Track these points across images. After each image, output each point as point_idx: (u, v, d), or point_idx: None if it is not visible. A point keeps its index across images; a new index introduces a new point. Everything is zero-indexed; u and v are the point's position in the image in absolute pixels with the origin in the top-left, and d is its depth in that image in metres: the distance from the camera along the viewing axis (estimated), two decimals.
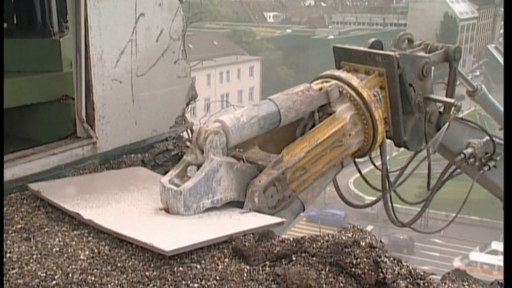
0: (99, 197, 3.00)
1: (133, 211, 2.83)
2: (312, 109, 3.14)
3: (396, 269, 2.24)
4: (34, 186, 3.17)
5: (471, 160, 4.18)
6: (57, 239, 2.61)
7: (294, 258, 2.38)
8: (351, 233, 2.56)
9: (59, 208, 2.91)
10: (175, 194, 2.61)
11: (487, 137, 4.22)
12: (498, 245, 38.46)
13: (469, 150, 4.16)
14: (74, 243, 2.57)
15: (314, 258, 2.36)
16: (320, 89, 3.19)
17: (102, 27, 3.50)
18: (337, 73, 3.35)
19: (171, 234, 2.51)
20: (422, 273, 2.24)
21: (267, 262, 2.36)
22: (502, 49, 68.71)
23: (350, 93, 3.22)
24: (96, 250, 2.49)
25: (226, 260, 2.38)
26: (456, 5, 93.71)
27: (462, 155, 4.14)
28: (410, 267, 2.26)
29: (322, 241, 2.47)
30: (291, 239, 2.51)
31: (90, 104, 3.58)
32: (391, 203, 3.85)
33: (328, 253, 2.36)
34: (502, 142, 4.46)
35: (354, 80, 3.27)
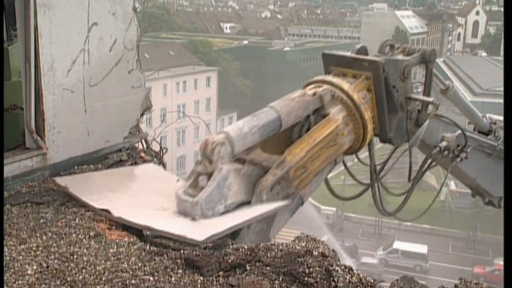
0: (122, 196, 3.15)
1: (155, 211, 2.97)
2: (308, 112, 3.35)
3: (348, 277, 2.29)
4: (60, 181, 3.31)
5: (446, 152, 4.47)
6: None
7: (248, 268, 2.38)
8: (305, 243, 2.60)
9: (85, 205, 3.05)
10: (192, 204, 2.77)
11: (459, 131, 4.53)
12: (399, 245, 42.52)
13: (444, 143, 4.44)
14: (21, 257, 2.48)
15: (268, 268, 2.37)
16: (314, 94, 3.42)
17: (52, 35, 3.42)
18: (329, 78, 3.61)
19: (198, 228, 2.64)
20: (372, 281, 2.29)
21: (221, 272, 2.35)
22: (449, 62, 71.46)
23: (342, 96, 3.47)
24: (44, 265, 2.42)
25: (180, 271, 2.36)
26: (406, 20, 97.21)
27: (438, 148, 4.43)
28: (361, 275, 2.31)
29: (276, 250, 2.49)
30: (245, 247, 2.52)
31: (40, 114, 3.48)
32: (379, 193, 4.15)
33: (282, 263, 2.38)
34: (472, 135, 4.87)
35: (345, 84, 3.52)
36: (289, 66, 74.90)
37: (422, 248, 42.37)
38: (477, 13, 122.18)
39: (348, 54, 3.80)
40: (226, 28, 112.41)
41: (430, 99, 3.99)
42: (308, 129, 3.33)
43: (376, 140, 3.93)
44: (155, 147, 4.53)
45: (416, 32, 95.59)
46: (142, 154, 4.18)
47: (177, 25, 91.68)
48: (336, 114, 3.42)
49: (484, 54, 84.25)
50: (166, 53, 59.95)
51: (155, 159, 4.25)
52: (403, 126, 3.88)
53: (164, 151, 4.53)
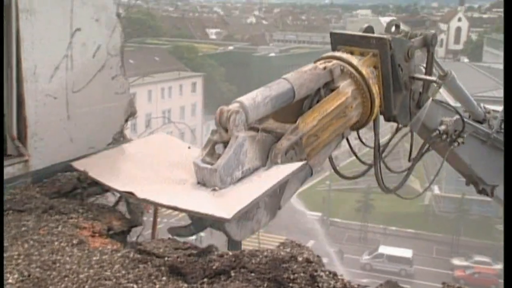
0: (141, 173, 3.20)
1: (176, 185, 3.00)
2: (319, 86, 3.48)
3: (332, 283, 2.29)
4: (78, 165, 3.38)
5: (444, 136, 4.67)
6: None
7: (232, 274, 2.38)
8: (289, 248, 2.61)
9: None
10: (211, 171, 2.83)
11: (457, 116, 4.73)
12: (384, 249, 42.72)
13: (443, 127, 4.63)
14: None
15: (253, 274, 2.37)
16: (325, 68, 3.56)
17: (35, 41, 3.39)
18: (338, 54, 3.77)
19: (222, 203, 2.67)
20: (356, 286, 2.30)
21: (205, 279, 2.34)
22: None
23: (351, 71, 3.63)
24: (26, 273, 2.38)
25: (164, 278, 2.34)
26: None
27: (437, 132, 4.62)
28: (345, 280, 2.32)
29: (261, 256, 2.49)
30: (230, 253, 2.51)
31: (22, 121, 3.44)
32: (381, 171, 4.29)
33: (267, 269, 2.38)
34: (469, 121, 5.09)
35: (354, 60, 3.67)
36: (274, 71, 75.02)
37: (406, 253, 42.70)
38: (459, 19, 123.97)
39: (356, 33, 3.97)
40: (212, 33, 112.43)
41: (434, 78, 4.20)
42: (318, 102, 3.46)
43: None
44: None
45: None
46: None
47: (162, 30, 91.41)
48: (346, 87, 3.57)
49: (466, 60, 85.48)
50: (151, 58, 59.73)
51: None
52: (407, 105, 4.06)
53: None
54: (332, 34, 4.04)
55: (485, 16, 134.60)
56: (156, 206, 2.83)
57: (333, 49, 3.97)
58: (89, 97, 3.83)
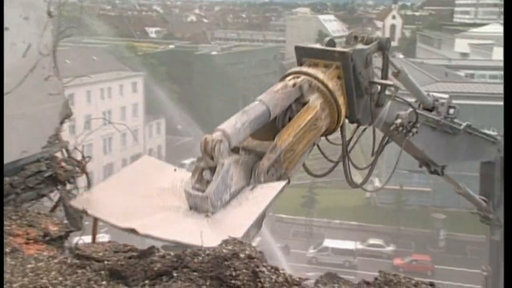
0: (136, 204, 3.21)
1: (171, 213, 3.10)
2: (290, 102, 3.70)
3: (274, 278, 2.32)
4: (77, 204, 3.34)
5: (400, 128, 5.14)
6: None
7: (175, 274, 2.36)
8: (232, 246, 2.61)
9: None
10: (203, 198, 3.00)
11: (410, 109, 5.24)
12: (329, 242, 44.02)
13: (399, 120, 5.11)
14: None
15: (195, 273, 2.36)
16: (294, 84, 3.77)
17: None
18: (305, 69, 4.01)
19: (221, 232, 2.78)
20: (297, 279, 2.35)
21: (147, 281, 2.31)
22: None
23: (318, 85, 3.87)
24: None
25: (103, 282, 2.30)
26: (328, 24, 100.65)
27: (395, 125, 5.09)
28: (286, 275, 2.36)
29: (203, 255, 2.48)
30: (172, 254, 2.49)
31: None
32: (349, 167, 4.69)
33: (209, 267, 2.38)
34: (421, 112, 5.67)
35: (320, 74, 3.92)
36: (216, 70, 74.91)
37: (350, 245, 43.94)
38: (394, 17, 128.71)
39: (320, 46, 4.27)
40: (151, 32, 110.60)
41: (391, 82, 4.60)
42: (290, 117, 3.69)
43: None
44: (79, 156, 4.37)
45: (338, 35, 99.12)
46: (63, 164, 4.02)
47: (99, 29, 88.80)
48: (315, 101, 3.82)
49: (401, 56, 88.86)
50: (88, 58, 57.95)
51: (76, 168, 4.10)
52: (368, 107, 4.40)
53: (87, 159, 4.39)
54: (297, 48, 4.28)
55: (417, 13, 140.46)
56: (160, 241, 2.84)
57: (298, 62, 4.21)
58: (21, 99, 3.68)
